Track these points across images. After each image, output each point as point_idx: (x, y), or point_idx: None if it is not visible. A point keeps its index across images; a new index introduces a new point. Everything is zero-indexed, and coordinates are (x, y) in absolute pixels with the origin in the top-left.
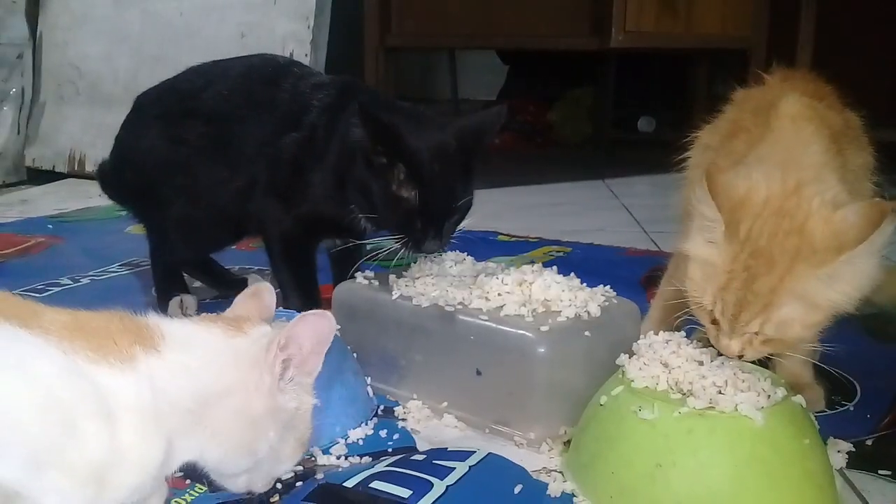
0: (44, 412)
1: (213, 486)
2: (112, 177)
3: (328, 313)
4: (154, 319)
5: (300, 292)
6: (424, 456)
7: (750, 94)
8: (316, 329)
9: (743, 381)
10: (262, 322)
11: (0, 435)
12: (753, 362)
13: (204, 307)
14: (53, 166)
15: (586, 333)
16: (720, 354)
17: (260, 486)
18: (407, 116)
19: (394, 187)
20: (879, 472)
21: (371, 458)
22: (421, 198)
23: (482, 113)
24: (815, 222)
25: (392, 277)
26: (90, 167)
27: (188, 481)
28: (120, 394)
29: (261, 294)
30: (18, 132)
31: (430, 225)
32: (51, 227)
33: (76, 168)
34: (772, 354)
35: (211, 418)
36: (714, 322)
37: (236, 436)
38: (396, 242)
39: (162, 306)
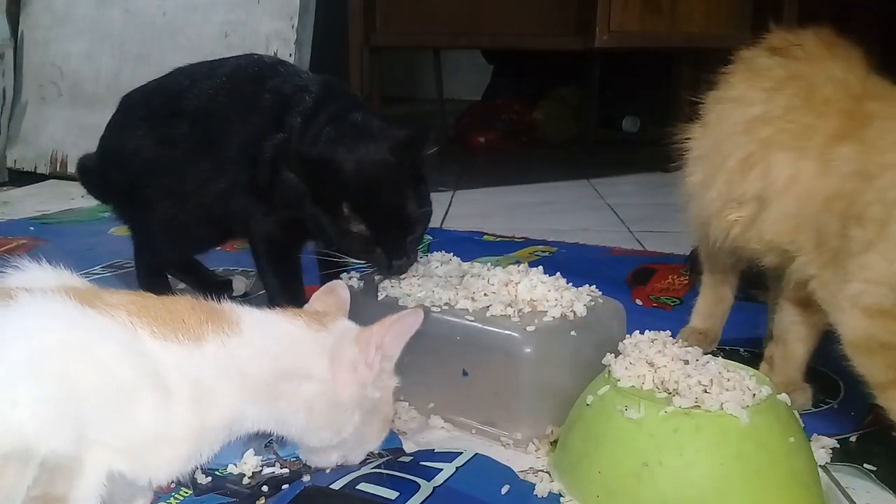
0: (103, 387)
1: (198, 490)
2: (96, 176)
3: (420, 310)
4: (230, 305)
5: (285, 293)
6: (411, 457)
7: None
8: (411, 327)
9: (728, 380)
10: (341, 317)
11: (57, 408)
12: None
13: None
14: (35, 167)
15: (572, 333)
16: (706, 353)
17: (354, 459)
18: (339, 140)
19: (342, 223)
20: (864, 467)
21: None
22: (371, 229)
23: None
24: None
25: (378, 278)
26: (72, 168)
27: (173, 485)
28: (181, 369)
29: (335, 291)
30: (0, 133)
31: (390, 250)
32: (33, 228)
33: (58, 169)
34: None
35: (286, 395)
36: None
37: (320, 416)
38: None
39: None
